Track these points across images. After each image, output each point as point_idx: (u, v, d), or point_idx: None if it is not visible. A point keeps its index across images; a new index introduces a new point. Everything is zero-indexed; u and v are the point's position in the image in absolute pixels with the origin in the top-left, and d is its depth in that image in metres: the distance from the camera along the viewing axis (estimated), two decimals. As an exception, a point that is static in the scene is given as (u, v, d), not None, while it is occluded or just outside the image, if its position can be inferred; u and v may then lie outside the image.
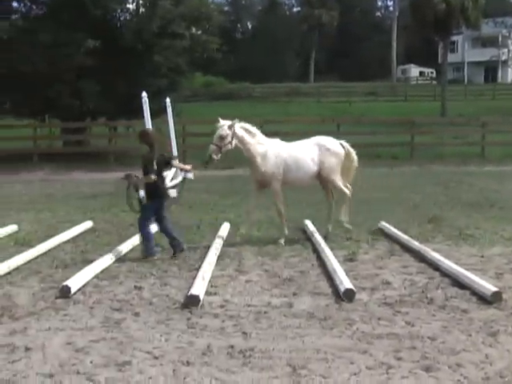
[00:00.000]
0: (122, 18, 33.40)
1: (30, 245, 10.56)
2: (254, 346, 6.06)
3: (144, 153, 9.97)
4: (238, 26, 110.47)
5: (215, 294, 7.86)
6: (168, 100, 21.79)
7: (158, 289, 8.13)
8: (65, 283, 7.83)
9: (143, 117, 19.70)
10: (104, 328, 6.61)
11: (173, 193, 17.20)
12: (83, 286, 8.09)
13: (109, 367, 5.62)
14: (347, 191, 11.54)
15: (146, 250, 9.87)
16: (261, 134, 11.23)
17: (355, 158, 11.80)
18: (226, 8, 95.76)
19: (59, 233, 11.52)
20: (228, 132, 10.73)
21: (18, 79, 29.09)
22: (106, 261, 9.21)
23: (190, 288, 7.75)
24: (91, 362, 5.71)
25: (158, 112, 20.93)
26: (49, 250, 10.34)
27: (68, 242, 11.12)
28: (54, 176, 23.27)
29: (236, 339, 6.29)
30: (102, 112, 32.26)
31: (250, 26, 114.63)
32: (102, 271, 8.85)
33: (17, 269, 9.12)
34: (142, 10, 32.93)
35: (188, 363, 5.69)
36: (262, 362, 5.72)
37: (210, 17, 34.62)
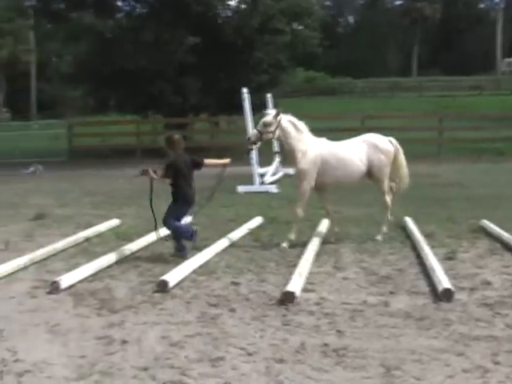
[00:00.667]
0: (222, 15, 33.67)
1: (130, 239, 10.75)
2: (348, 345, 5.98)
3: (170, 157, 9.97)
4: (340, 20, 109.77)
5: (312, 291, 7.78)
6: (269, 95, 21.89)
7: (255, 285, 8.13)
8: (162, 277, 7.93)
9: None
10: (200, 323, 6.65)
11: (272, 188, 17.28)
12: (181, 281, 8.16)
13: (202, 362, 5.64)
14: (388, 200, 10.97)
15: (179, 249, 9.85)
16: (308, 132, 10.81)
17: (403, 156, 11.20)
18: (327, 3, 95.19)
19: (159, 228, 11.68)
20: (273, 120, 10.48)
21: (122, 77, 29.81)
22: (204, 256, 9.28)
23: (286, 285, 7.72)
24: (185, 357, 5.74)
25: (259, 107, 20.97)
26: (149, 245, 10.50)
27: (166, 237, 11.27)
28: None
29: (330, 337, 6.21)
30: (204, 108, 32.60)
31: (351, 21, 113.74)
32: (200, 266, 8.92)
33: (117, 262, 9.31)
34: (242, 6, 33.17)
35: (281, 361, 5.65)
36: (356, 361, 5.63)
37: (312, 12, 34.45)
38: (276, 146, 21.47)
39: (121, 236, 11.34)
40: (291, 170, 20.98)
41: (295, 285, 7.54)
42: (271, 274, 8.64)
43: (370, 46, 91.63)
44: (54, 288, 7.95)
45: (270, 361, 5.65)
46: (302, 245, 10.24)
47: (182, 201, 9.92)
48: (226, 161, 10.78)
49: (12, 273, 8.99)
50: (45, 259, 9.76)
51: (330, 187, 11.39)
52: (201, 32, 30.54)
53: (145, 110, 34.35)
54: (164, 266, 9.05)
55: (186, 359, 5.70)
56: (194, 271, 8.67)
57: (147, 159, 25.91)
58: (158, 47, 29.25)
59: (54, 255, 10.03)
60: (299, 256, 9.31)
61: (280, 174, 20.25)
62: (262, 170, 18.70)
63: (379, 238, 10.78)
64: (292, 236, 10.57)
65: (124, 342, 6.14)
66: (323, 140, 10.93)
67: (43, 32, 50.55)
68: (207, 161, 10.42)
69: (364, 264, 9.17)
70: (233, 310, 7.06)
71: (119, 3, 35.36)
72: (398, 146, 11.11)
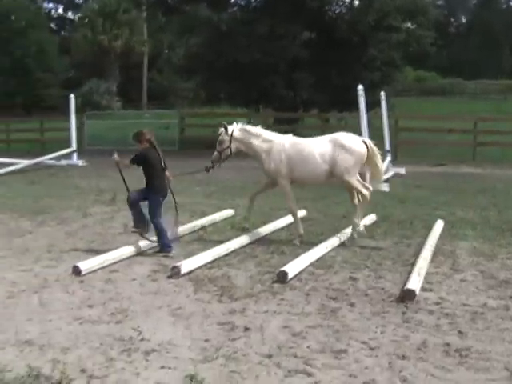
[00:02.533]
0: (337, 11, 33.54)
1: (245, 230, 10.87)
2: (470, 346, 5.91)
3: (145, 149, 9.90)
4: (452, 20, 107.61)
5: (430, 290, 7.71)
6: (382, 93, 21.71)
7: (372, 281, 8.11)
8: (282, 268, 8.01)
9: (357, 109, 19.72)
10: (320, 315, 6.69)
11: (384, 187, 17.12)
12: (299, 273, 8.22)
13: (325, 353, 5.69)
14: (365, 191, 10.48)
15: (166, 245, 9.73)
16: (266, 132, 10.87)
17: (379, 156, 10.80)
18: (439, 2, 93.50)
19: (273, 220, 11.78)
20: (225, 137, 10.66)
21: (234, 69, 30.08)
22: (321, 250, 9.31)
23: (405, 282, 7.68)
24: (308, 347, 5.81)
25: (370, 105, 20.85)
26: (264, 236, 10.61)
27: (282, 229, 11.35)
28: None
29: (452, 337, 6.15)
30: (315, 103, 32.52)
31: (463, 21, 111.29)
32: (317, 260, 8.95)
33: (234, 251, 9.45)
34: (357, 2, 33.00)
35: (403, 357, 5.65)
36: (479, 363, 5.58)
37: (426, 10, 33.89)
38: (387, 145, 21.32)
39: (235, 226, 11.48)
40: (401, 170, 20.84)
41: (414, 283, 7.49)
42: (388, 271, 8.59)
43: (483, 47, 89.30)
44: (175, 272, 8.17)
45: (393, 356, 5.65)
46: (415, 244, 10.15)
47: (154, 192, 9.85)
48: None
49: (132, 256, 9.27)
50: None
51: (300, 183, 11.37)
52: (315, 27, 30.58)
53: (256, 104, 34.55)
54: (281, 257, 9.17)
55: (308, 349, 5.76)
56: (312, 264, 8.71)
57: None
58: (271, 41, 29.37)
59: (171, 241, 10.25)
60: (415, 255, 9.24)
61: (391, 173, 20.05)
62: (373, 168, 18.56)
63: (355, 235, 10.43)
64: (301, 230, 10.51)
65: (246, 328, 6.26)
66: (289, 137, 10.88)
67: (157, 24, 51.62)
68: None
69: (481, 267, 8.99)
70: (352, 305, 7.08)
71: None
72: (373, 147, 10.68)
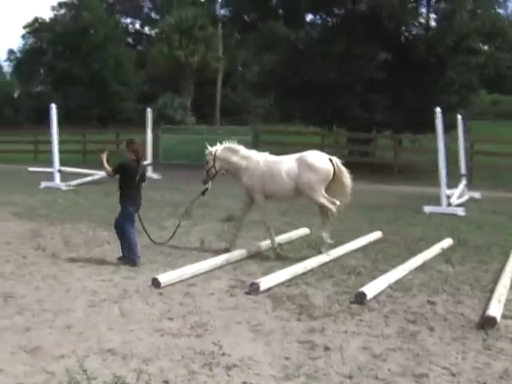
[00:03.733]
0: (414, 32, 33.31)
1: (321, 249, 10.88)
2: (554, 377, 5.80)
3: (126, 159, 10.30)
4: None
5: (511, 318, 7.58)
6: (459, 116, 21.45)
7: (451, 306, 8.02)
8: (361, 289, 8.00)
9: (432, 131, 19.50)
10: (400, 338, 6.67)
11: (459, 211, 16.90)
12: (377, 295, 8.20)
13: (406, 377, 5.67)
14: (331, 206, 10.65)
15: (132, 256, 9.94)
16: (245, 150, 11.46)
17: (347, 175, 10.96)
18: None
19: (348, 240, 11.76)
20: (209, 158, 11.46)
21: (309, 88, 30.11)
22: (398, 272, 9.26)
23: (484, 309, 7.58)
24: (389, 370, 5.79)
25: (446, 128, 20.59)
26: (340, 256, 10.60)
27: (358, 250, 11.32)
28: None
29: (536, 368, 6.04)
30: (389, 124, 32.29)
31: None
32: (395, 282, 8.90)
33: (311, 270, 9.48)
34: (434, 24, 32.76)
35: (486, 385, 5.58)
36: None
37: (505, 32, 33.38)
38: (463, 168, 21.05)
39: (311, 245, 11.50)
40: (477, 194, 20.56)
41: (495, 310, 7.38)
42: (466, 297, 8.48)
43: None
44: (253, 289, 8.23)
45: (474, 383, 5.58)
46: (493, 270, 10.00)
47: (128, 203, 10.17)
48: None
49: (210, 270, 9.38)
50: (240, 260, 10.11)
51: (273, 198, 11.66)
52: (392, 48, 30.43)
53: (329, 123, 34.48)
54: (358, 278, 9.16)
55: (389, 372, 5.75)
56: (390, 286, 8.67)
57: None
58: (347, 61, 29.39)
59: (247, 257, 10.35)
60: (493, 281, 9.12)
61: (466, 197, 19.79)
62: (448, 192, 18.34)
63: (323, 250, 10.61)
64: (275, 244, 10.99)
65: (326, 348, 6.27)
66: (265, 155, 11.39)
67: (233, 41, 52.14)
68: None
69: None
70: (432, 329, 7.02)
71: (310, 16, 35.89)
72: (340, 166, 10.89)
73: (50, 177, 22.33)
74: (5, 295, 8.01)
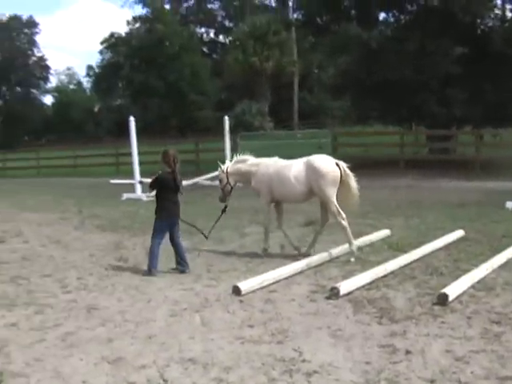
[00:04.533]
0: (489, 24, 32.59)
1: (403, 250, 10.78)
2: None
3: (162, 171, 10.43)
4: None
5: None
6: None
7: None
8: (442, 291, 7.86)
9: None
10: (483, 339, 6.51)
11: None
12: (460, 295, 8.04)
13: (489, 380, 5.54)
14: (341, 219, 10.82)
15: (150, 268, 10.12)
16: (254, 159, 11.84)
17: (353, 179, 11.06)
18: None
19: (430, 240, 11.57)
20: (222, 175, 11.88)
21: (385, 87, 29.80)
22: (481, 271, 9.06)
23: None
24: (472, 373, 5.66)
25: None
26: (422, 257, 10.44)
27: (440, 249, 11.14)
28: (420, 183, 23.36)
29: None
30: (468, 119, 31.65)
31: None
32: (478, 281, 8.72)
33: (392, 273, 9.36)
34: (510, 14, 32.00)
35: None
36: None
37: None
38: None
39: (393, 246, 11.37)
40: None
41: None
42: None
43: None
44: (334, 294, 8.18)
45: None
46: None
47: (163, 215, 10.36)
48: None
49: (290, 276, 9.37)
50: (320, 265, 10.07)
51: (282, 202, 11.74)
52: (467, 41, 29.79)
53: (408, 121, 34.08)
54: (440, 279, 9.00)
55: (472, 375, 5.62)
56: (473, 286, 8.49)
57: (410, 170, 25.81)
58: (422, 57, 28.92)
59: (328, 261, 10.30)
60: None
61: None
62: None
63: (352, 259, 10.60)
64: (266, 245, 11.48)
65: (408, 352, 6.17)
66: (274, 159, 11.71)
67: (307, 44, 52.12)
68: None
69: None
70: (517, 329, 6.83)
71: (383, 14, 35.55)
72: (346, 170, 11.01)
73: (131, 188, 22.76)
74: (88, 307, 8.19)
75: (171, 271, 10.25)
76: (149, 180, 19.21)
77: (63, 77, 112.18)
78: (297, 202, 11.88)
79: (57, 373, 5.98)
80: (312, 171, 10.84)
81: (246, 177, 11.76)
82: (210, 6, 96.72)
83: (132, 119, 22.99)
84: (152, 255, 10.17)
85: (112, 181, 27.72)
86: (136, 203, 20.50)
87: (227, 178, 11.78)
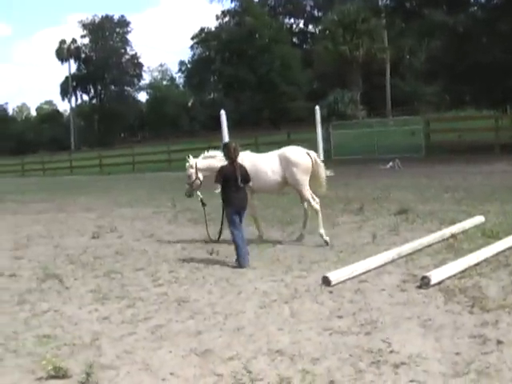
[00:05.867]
0: None
1: (497, 237, 10.50)
2: None
3: (224, 165, 10.79)
4: None
5: None
6: None
7: None
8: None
9: None
10: None
11: None
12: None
13: None
14: (315, 204, 11.64)
15: (238, 258, 10.19)
16: (221, 154, 11.72)
17: (322, 168, 12.02)
18: None
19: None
20: (191, 171, 12.22)
21: (476, 71, 29.11)
22: None
23: None
24: None
25: None
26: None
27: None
28: (516, 168, 22.76)
29: None
30: None
31: None
32: None
33: (485, 260, 9.13)
34: None
35: None
36: None
37: None
38: None
39: (487, 233, 11.09)
40: None
41: None
42: None
43: None
44: (424, 283, 8.04)
45: None
46: None
47: (228, 205, 10.62)
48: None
49: (381, 266, 9.25)
50: (411, 254, 9.90)
51: (260, 193, 12.44)
52: None
53: (502, 104, 33.20)
54: (537, 267, 8.71)
55: None
56: None
57: (506, 155, 25.13)
58: (514, 38, 28.16)
59: (420, 250, 10.13)
60: None
61: None
62: None
63: (325, 238, 11.36)
64: (261, 232, 12.19)
65: (499, 342, 6.00)
66: (247, 153, 12.09)
67: (397, 30, 51.34)
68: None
69: None
70: None
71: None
72: (317, 159, 11.96)
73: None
74: (179, 300, 8.30)
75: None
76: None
77: (156, 73, 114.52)
78: (271, 192, 12.70)
79: (145, 365, 6.08)
80: (286, 162, 11.62)
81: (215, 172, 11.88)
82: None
83: (223, 112, 23.20)
84: (238, 248, 10.26)
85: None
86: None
87: (196, 174, 12.18)
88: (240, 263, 10.11)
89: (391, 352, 5.95)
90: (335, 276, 8.57)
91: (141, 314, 7.81)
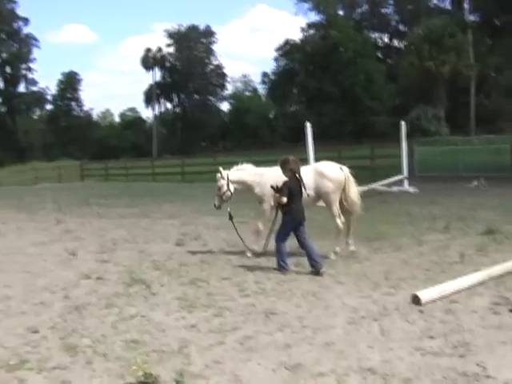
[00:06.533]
0: None
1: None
2: None
3: (289, 177, 10.93)
4: None
5: None
6: None
7: None
8: None
9: None
10: None
11: None
12: None
13: None
14: (339, 222, 11.99)
15: (278, 262, 10.88)
16: (253, 167, 12.89)
17: (353, 184, 12.10)
18: None
19: None
20: (222, 182, 12.54)
21: None
22: None
23: None
24: None
25: None
26: None
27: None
28: None
29: None
30: None
31: None
32: None
33: None
34: None
35: None
36: None
37: None
38: None
39: None
40: None
41: None
42: None
43: None
44: (518, 306, 7.82)
45: None
46: None
47: (288, 218, 10.91)
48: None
49: (471, 286, 9.04)
50: (502, 276, 9.65)
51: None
52: None
53: None
54: None
55: None
56: None
57: None
58: None
59: (510, 273, 9.86)
60: None
61: None
62: None
63: (332, 256, 11.77)
64: (255, 247, 12.56)
65: None
66: (274, 168, 12.00)
67: (484, 46, 50.63)
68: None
69: None
70: None
71: None
72: (349, 175, 12.06)
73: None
74: (266, 311, 8.26)
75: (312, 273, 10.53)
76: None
77: (239, 84, 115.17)
78: (306, 206, 12.31)
79: (235, 376, 6.05)
80: (321, 176, 11.95)
81: (246, 185, 12.65)
82: (383, 10, 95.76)
83: (308, 125, 23.13)
84: (280, 253, 10.91)
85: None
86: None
87: (228, 185, 12.52)
88: (283, 267, 10.83)
89: (487, 377, 5.79)
90: (425, 295, 8.40)
91: (228, 323, 7.80)
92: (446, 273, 10.05)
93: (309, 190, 11.57)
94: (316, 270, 10.46)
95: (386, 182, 25.13)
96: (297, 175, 10.95)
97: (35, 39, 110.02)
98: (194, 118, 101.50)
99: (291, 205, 10.80)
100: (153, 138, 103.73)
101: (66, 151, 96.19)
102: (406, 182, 26.39)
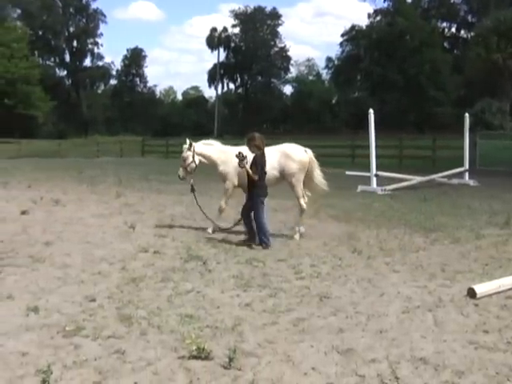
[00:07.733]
0: None
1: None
2: None
3: (258, 154, 11.58)
4: None
5: None
6: None
7: None
8: None
9: None
10: None
11: None
12: None
13: None
14: (303, 203, 12.60)
15: (260, 238, 11.53)
16: (220, 145, 13.22)
17: (317, 166, 12.78)
18: None
19: None
20: (188, 153, 12.74)
21: None
22: None
23: None
24: None
25: None
26: None
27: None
28: None
29: None
30: None
31: None
32: None
33: None
34: None
35: None
36: None
37: None
38: None
39: None
40: None
41: None
42: None
43: None
44: None
45: None
46: None
47: (261, 193, 11.65)
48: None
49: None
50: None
51: (239, 187, 12.94)
52: None
53: None
54: None
55: None
56: None
57: None
58: None
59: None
60: None
61: None
62: None
63: (297, 237, 12.38)
64: (217, 223, 13.24)
65: None
66: (243, 148, 12.15)
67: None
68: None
69: None
70: None
71: None
72: (313, 157, 12.71)
73: (366, 181, 22.85)
74: (321, 295, 8.29)
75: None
76: (385, 174, 19.55)
77: (303, 68, 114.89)
78: (268, 185, 12.63)
79: (287, 356, 6.08)
80: (286, 158, 12.33)
81: (211, 160, 12.93)
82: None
83: (371, 112, 22.98)
84: (264, 229, 11.60)
85: (348, 172, 28.00)
86: (371, 196, 20.54)
87: (193, 157, 12.74)
88: (266, 242, 11.48)
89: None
90: (481, 289, 8.32)
91: (282, 304, 7.84)
92: (503, 268, 9.92)
93: (273, 170, 12.20)
94: (254, 243, 11.58)
95: (447, 173, 24.85)
96: (263, 151, 11.62)
97: (103, 14, 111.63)
98: (256, 100, 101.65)
99: (262, 179, 11.53)
100: (214, 118, 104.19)
101: (128, 126, 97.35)
102: (466, 175, 26.07)
